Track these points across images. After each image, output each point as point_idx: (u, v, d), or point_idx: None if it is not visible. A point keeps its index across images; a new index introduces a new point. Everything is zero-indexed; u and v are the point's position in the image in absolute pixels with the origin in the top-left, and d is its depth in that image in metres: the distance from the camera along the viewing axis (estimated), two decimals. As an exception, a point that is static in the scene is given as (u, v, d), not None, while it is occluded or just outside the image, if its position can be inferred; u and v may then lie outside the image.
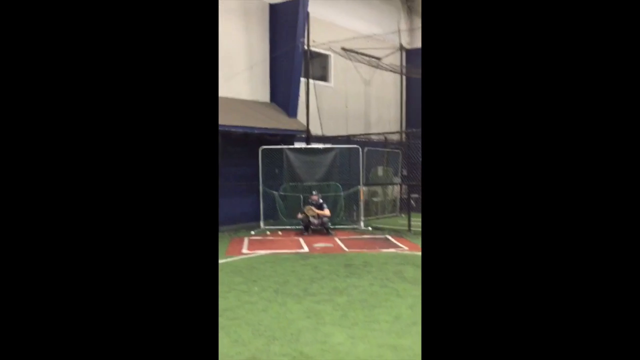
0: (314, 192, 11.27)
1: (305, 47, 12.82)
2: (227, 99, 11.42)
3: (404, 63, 16.97)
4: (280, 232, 11.33)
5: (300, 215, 11.07)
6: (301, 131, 12.83)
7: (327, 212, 11.00)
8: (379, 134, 14.51)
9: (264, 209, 11.88)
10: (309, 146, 12.84)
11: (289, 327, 4.69)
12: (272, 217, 12.04)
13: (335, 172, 12.29)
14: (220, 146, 9.40)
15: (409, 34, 17.65)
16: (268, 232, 11.30)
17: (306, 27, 12.72)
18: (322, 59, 15.19)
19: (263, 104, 12.98)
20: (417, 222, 11.84)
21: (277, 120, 12.33)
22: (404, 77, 17.01)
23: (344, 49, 14.48)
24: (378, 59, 15.32)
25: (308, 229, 11.11)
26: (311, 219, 11.07)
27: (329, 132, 14.10)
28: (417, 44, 17.42)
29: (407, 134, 14.84)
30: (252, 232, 11.26)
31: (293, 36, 12.55)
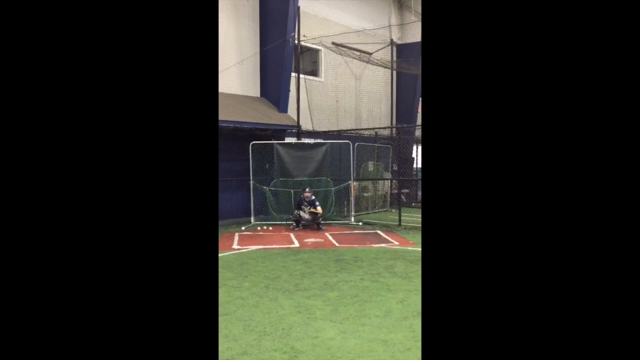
0: (307, 189, 11.25)
1: (296, 42, 12.77)
2: (217, 93, 11.35)
3: (394, 58, 16.98)
4: (270, 228, 11.33)
5: (296, 215, 11.08)
6: (292, 126, 12.80)
7: (319, 209, 11.00)
8: (369, 129, 14.52)
9: (254, 204, 11.87)
10: (300, 141, 12.82)
11: (280, 322, 4.69)
12: (262, 212, 12.03)
13: (326, 167, 12.29)
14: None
15: (400, 29, 17.65)
16: (259, 228, 11.29)
17: (297, 22, 12.67)
18: (313, 53, 15.16)
19: (253, 98, 12.93)
20: (407, 217, 11.93)
21: (267, 115, 12.30)
22: (394, 72, 17.02)
23: (334, 43, 14.46)
24: (369, 53, 15.31)
25: (299, 224, 11.11)
26: (302, 214, 11.07)
27: (320, 127, 14.09)
28: (408, 39, 17.45)
29: (397, 129, 14.88)
30: (243, 228, 11.24)
31: (283, 31, 12.51)
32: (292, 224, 11.30)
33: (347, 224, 11.94)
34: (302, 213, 11.07)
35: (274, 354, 3.92)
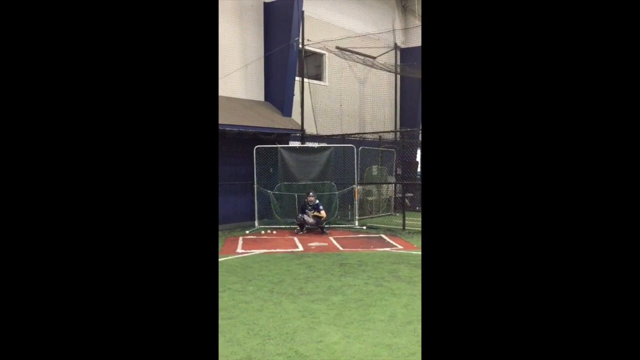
0: (310, 194, 11.25)
1: (300, 46, 12.80)
2: (221, 97, 11.38)
3: (398, 62, 16.99)
4: (274, 232, 11.32)
5: (300, 219, 11.08)
6: (296, 130, 12.81)
7: (323, 214, 10.99)
8: (373, 133, 14.52)
9: (258, 208, 11.87)
10: (304, 145, 12.83)
11: (284, 326, 4.69)
12: (266, 216, 12.02)
13: (330, 171, 12.29)
14: (215, 145, 9.35)
15: (404, 33, 17.67)
16: (263, 232, 11.29)
17: (301, 26, 12.70)
18: (317, 57, 15.18)
19: (257, 102, 12.96)
20: (411, 221, 11.90)
21: (271, 119, 12.32)
22: (398, 76, 17.02)
23: (338, 47, 14.47)
24: (373, 58, 15.33)
25: (303, 228, 11.11)
26: (306, 218, 11.07)
27: (324, 131, 14.10)
28: (412, 43, 17.45)
29: (401, 133, 14.86)
30: (247, 232, 11.24)
31: (288, 35, 12.54)
32: (296, 228, 11.29)
33: (351, 228, 11.93)
34: (306, 217, 11.06)
35: (278, 358, 3.91)
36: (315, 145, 12.90)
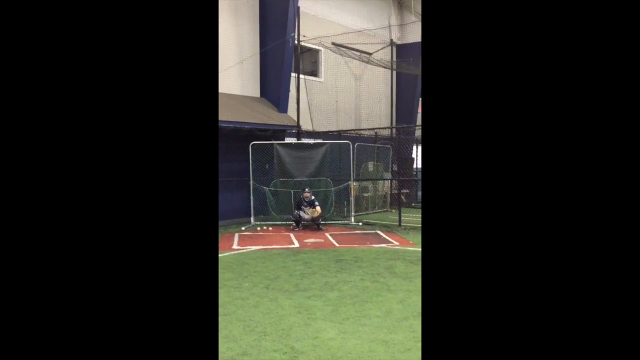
0: (306, 190, 11.26)
1: (296, 42, 12.77)
2: (217, 94, 11.35)
3: (394, 58, 16.98)
4: (270, 228, 11.32)
5: (295, 216, 11.08)
6: (292, 126, 12.79)
7: (318, 209, 10.99)
8: (369, 129, 14.52)
9: (254, 204, 11.86)
10: (300, 141, 12.81)
11: (280, 322, 4.69)
12: (262, 212, 12.02)
13: (326, 167, 12.28)
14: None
15: (400, 29, 17.65)
16: (258, 228, 11.28)
17: (296, 22, 12.66)
18: (313, 54, 15.15)
19: (253, 99, 12.92)
20: (407, 217, 11.92)
21: (267, 116, 12.29)
22: (394, 73, 17.01)
23: (334, 44, 14.45)
24: (368, 54, 15.31)
25: (299, 224, 11.11)
26: (302, 215, 11.07)
27: (320, 128, 14.09)
28: (408, 39, 17.44)
29: (397, 129, 14.87)
30: (243, 228, 11.23)
31: (283, 31, 12.50)
32: (292, 224, 11.29)
33: (347, 224, 11.94)
34: (301, 213, 11.07)
35: (274, 354, 3.91)
36: (311, 141, 12.90)
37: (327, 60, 15.17)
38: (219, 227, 10.96)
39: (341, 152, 12.89)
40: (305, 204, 11.07)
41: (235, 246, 9.04)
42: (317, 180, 12.13)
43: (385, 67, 16.21)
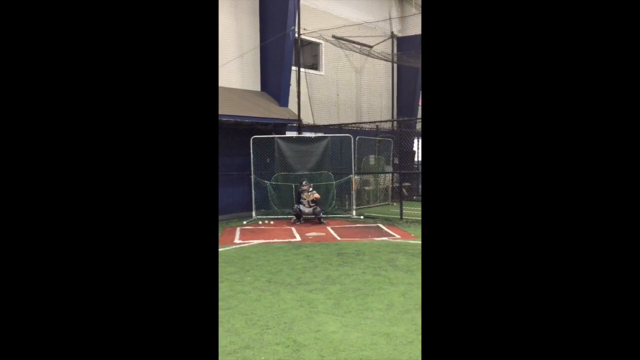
0: (304, 182, 11.28)
1: (296, 35, 12.72)
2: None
3: (395, 51, 16.91)
4: (272, 222, 11.33)
5: (296, 210, 11.09)
6: (292, 120, 12.77)
7: (316, 194, 11.02)
8: (370, 122, 14.49)
9: (255, 198, 11.86)
10: (301, 135, 12.79)
11: (282, 316, 4.70)
12: (264, 206, 12.02)
13: (327, 161, 12.27)
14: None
15: (400, 22, 17.56)
16: (260, 222, 11.29)
17: (297, 15, 12.61)
18: (313, 47, 15.10)
19: (254, 92, 12.90)
20: (409, 210, 11.91)
21: (268, 110, 12.27)
22: (395, 65, 16.96)
23: (335, 37, 14.39)
24: (369, 47, 15.25)
25: (300, 218, 11.12)
26: (302, 208, 11.07)
27: (321, 121, 14.06)
28: (409, 31, 17.36)
29: (398, 123, 14.83)
30: (244, 222, 11.24)
31: (284, 24, 12.45)
32: (293, 218, 11.30)
33: (349, 217, 11.95)
34: (302, 207, 11.07)
35: (277, 347, 3.92)
36: (312, 135, 12.88)
37: (328, 53, 15.12)
38: (221, 222, 10.98)
39: (342, 146, 12.88)
40: (303, 196, 11.09)
41: (237, 240, 9.05)
42: (319, 174, 12.12)
43: (386, 60, 16.15)
